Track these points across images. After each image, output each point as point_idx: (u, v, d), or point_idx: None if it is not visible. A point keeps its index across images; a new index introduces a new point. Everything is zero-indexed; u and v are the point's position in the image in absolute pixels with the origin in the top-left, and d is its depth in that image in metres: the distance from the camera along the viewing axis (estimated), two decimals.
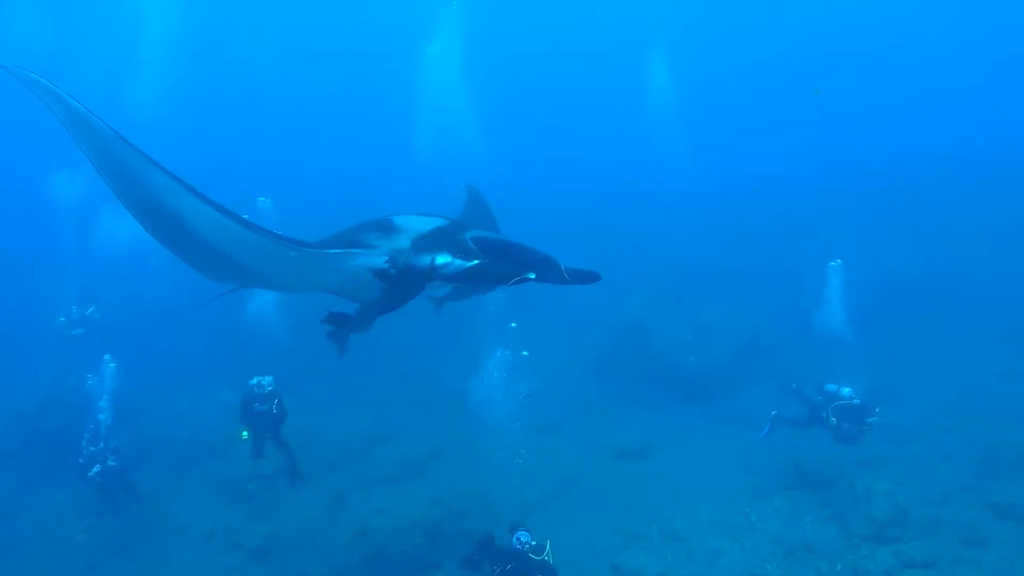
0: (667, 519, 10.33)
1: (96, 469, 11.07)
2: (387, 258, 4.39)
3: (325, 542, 10.28)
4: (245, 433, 10.81)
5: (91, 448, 11.18)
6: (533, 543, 8.05)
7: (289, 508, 11.45)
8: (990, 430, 12.22)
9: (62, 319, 15.94)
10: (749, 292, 18.13)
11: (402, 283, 4.47)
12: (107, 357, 13.07)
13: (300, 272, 4.53)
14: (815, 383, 12.26)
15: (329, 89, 37.28)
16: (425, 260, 4.37)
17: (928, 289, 18.10)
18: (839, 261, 16.32)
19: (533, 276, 4.14)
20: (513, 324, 13.61)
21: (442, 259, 4.35)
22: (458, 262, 4.33)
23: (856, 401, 11.50)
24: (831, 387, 11.81)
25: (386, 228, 4.54)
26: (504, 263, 4.38)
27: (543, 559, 8.00)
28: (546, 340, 15.86)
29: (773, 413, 12.40)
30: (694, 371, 15.67)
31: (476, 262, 4.33)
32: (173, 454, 13.38)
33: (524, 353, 13.25)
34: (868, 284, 16.64)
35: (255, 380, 10.82)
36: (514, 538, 8.13)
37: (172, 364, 16.56)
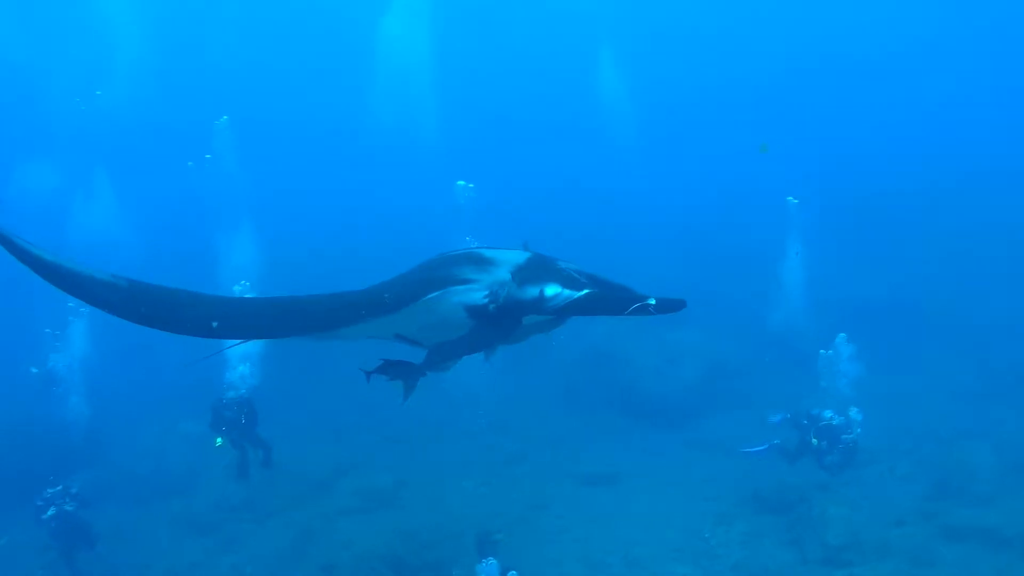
0: (631, 546, 10.46)
1: (51, 512, 10.58)
2: (487, 292, 4.11)
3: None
4: (219, 440, 10.84)
5: (49, 490, 10.82)
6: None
7: (255, 541, 11.44)
8: (944, 452, 12.59)
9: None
10: (716, 317, 18.41)
11: (501, 319, 4.19)
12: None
13: (385, 326, 4.28)
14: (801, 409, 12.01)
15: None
16: (532, 292, 4.09)
17: (891, 312, 18.52)
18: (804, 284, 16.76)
19: (654, 302, 3.75)
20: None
21: (551, 290, 4.06)
22: (567, 292, 4.05)
23: (836, 421, 11.28)
24: (815, 412, 11.59)
25: (478, 261, 4.27)
26: (614, 291, 4.15)
27: None
28: (512, 368, 16.00)
29: (776, 441, 11.99)
30: (661, 397, 15.88)
31: (587, 291, 4.05)
32: (137, 488, 13.29)
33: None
34: (833, 308, 17.02)
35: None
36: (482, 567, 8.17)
37: (138, 395, 16.48)
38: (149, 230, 24.39)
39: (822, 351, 15.37)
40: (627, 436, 14.87)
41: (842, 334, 16.01)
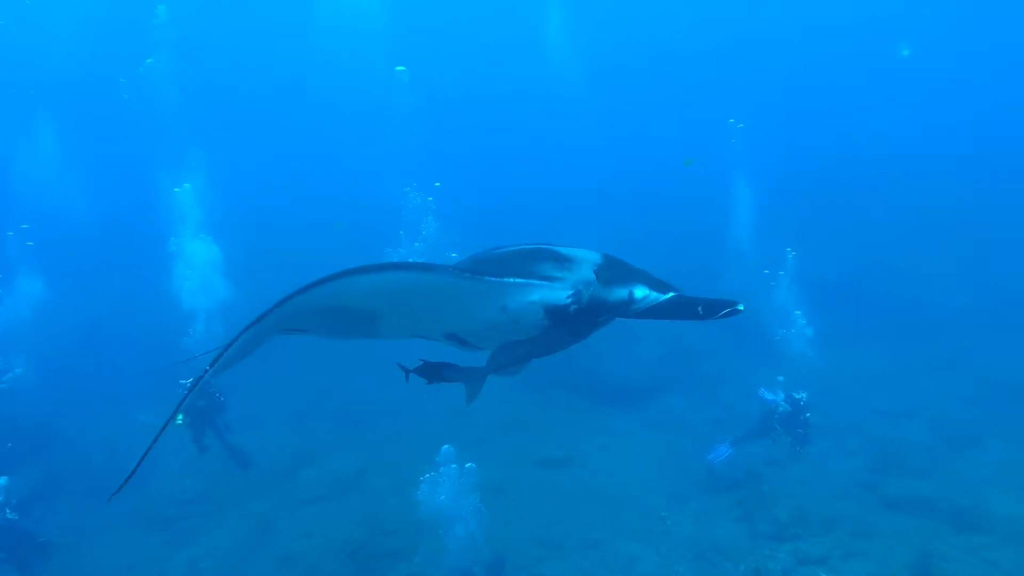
0: (588, 527, 10.68)
1: None
2: (572, 292, 3.91)
3: (250, 568, 10.27)
4: (180, 417, 10.76)
5: None
6: None
7: (213, 534, 11.40)
8: (888, 427, 13.12)
9: None
10: None
11: (579, 321, 4.00)
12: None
13: (446, 321, 4.09)
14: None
15: None
16: (620, 293, 3.92)
17: (842, 291, 19.09)
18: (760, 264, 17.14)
19: (742, 307, 3.66)
20: None
21: (640, 291, 3.91)
22: (654, 295, 3.92)
23: (783, 405, 11.41)
24: (768, 395, 11.66)
25: (555, 258, 4.06)
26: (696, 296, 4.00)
27: None
28: (472, 353, 16.10)
29: (729, 440, 11.94)
30: (620, 379, 16.15)
31: (672, 294, 3.93)
32: (89, 482, 13.06)
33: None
34: (790, 287, 17.42)
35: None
36: None
37: (90, 387, 16.20)
38: None
39: (780, 331, 15.85)
40: (586, 418, 15.12)
41: (798, 312, 16.50)
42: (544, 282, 3.88)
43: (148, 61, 23.32)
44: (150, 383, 14.66)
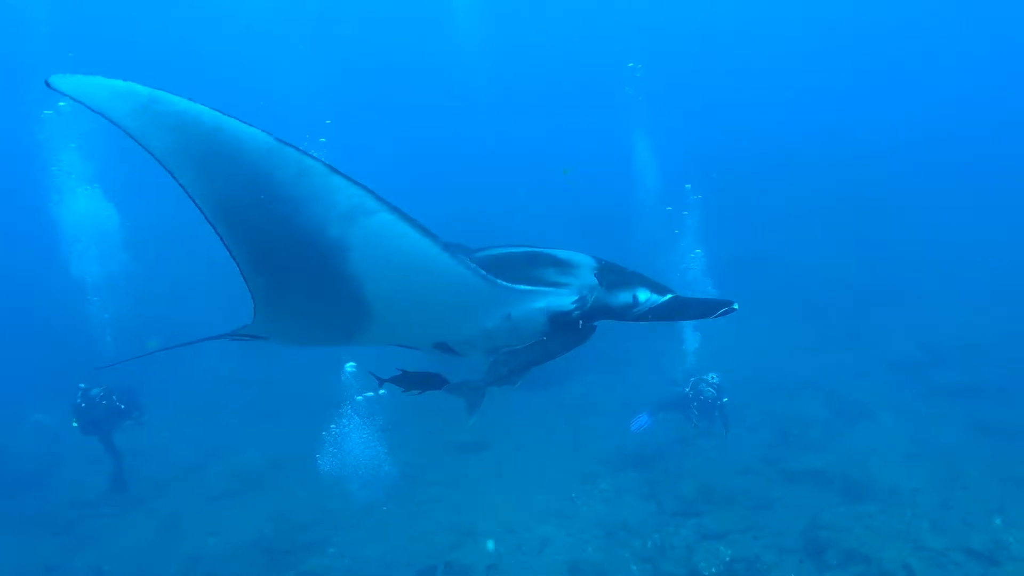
0: (501, 511, 10.79)
1: None
2: (577, 297, 3.81)
3: (157, 570, 9.96)
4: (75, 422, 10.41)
5: None
6: None
7: (115, 536, 11.00)
8: (787, 403, 13.73)
9: None
10: None
11: (584, 326, 3.92)
12: None
13: (440, 330, 3.88)
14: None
15: None
16: (624, 297, 3.86)
17: (749, 269, 19.75)
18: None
19: (737, 306, 3.64)
20: None
21: (643, 294, 3.85)
22: (655, 297, 3.87)
23: (709, 389, 11.43)
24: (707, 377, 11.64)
25: (558, 263, 3.94)
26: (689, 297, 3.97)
27: None
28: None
29: (647, 411, 11.94)
30: None
31: (670, 296, 3.88)
32: None
33: None
34: (698, 265, 17.91)
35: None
36: None
37: None
38: None
39: None
40: (497, 402, 15.19)
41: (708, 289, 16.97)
42: (552, 289, 3.77)
43: None
44: (45, 380, 14.06)
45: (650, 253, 19.12)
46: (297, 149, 2.65)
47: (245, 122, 2.54)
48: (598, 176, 27.97)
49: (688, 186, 20.34)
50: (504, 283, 3.51)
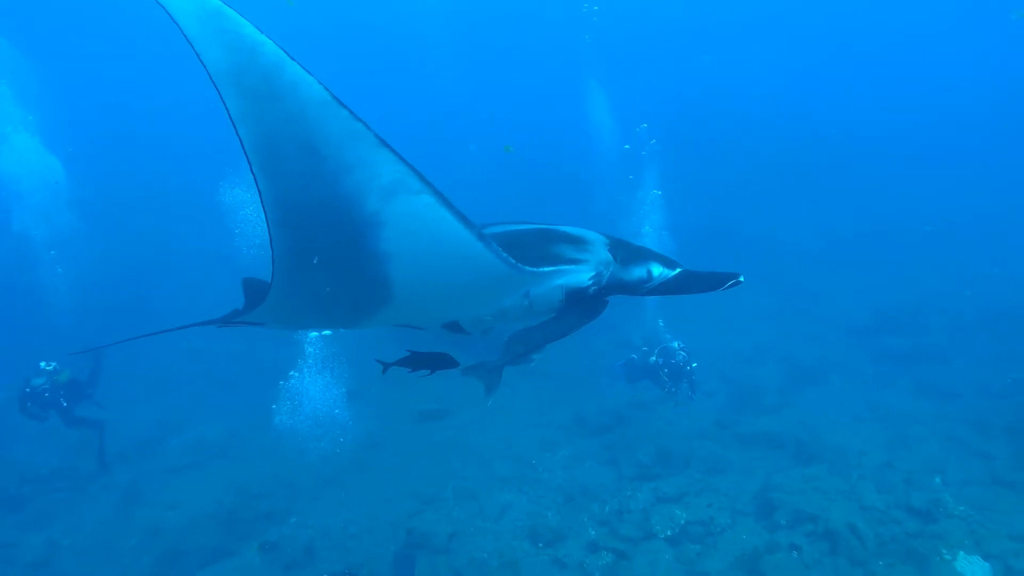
0: (462, 478, 10.93)
1: None
2: (593, 273, 3.86)
3: (113, 545, 9.89)
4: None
5: None
6: None
7: (72, 512, 10.89)
8: (743, 367, 14.03)
9: None
10: None
11: (597, 301, 3.97)
12: None
13: (473, 295, 3.81)
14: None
15: None
16: (638, 272, 3.91)
17: (708, 238, 20.00)
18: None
19: (743, 279, 3.70)
20: None
21: (656, 269, 3.92)
22: (666, 271, 3.93)
23: (681, 352, 11.60)
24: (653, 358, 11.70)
25: (572, 240, 3.96)
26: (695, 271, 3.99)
27: None
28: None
29: (634, 356, 12.18)
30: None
31: (680, 270, 3.94)
32: None
33: None
34: (660, 233, 18.07)
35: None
36: None
37: None
38: None
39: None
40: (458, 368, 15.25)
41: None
42: (571, 266, 3.80)
43: None
44: None
45: (610, 198, 19.28)
46: (351, 112, 2.63)
47: (307, 69, 2.51)
48: (554, 127, 27.89)
49: (644, 125, 20.43)
50: (530, 268, 3.56)
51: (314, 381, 14.26)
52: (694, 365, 11.64)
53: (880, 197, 23.49)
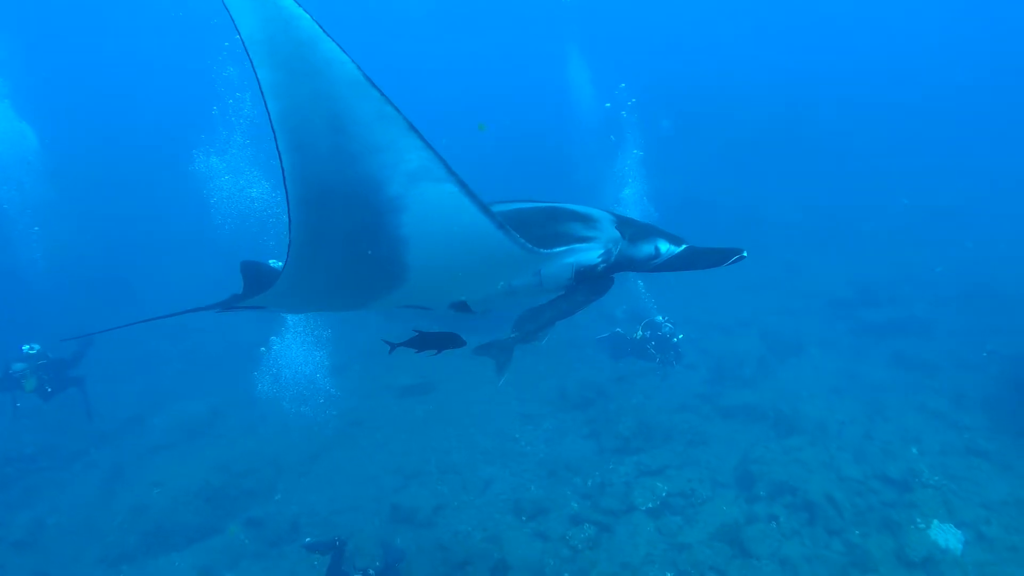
0: (445, 453, 10.99)
1: None
2: (603, 251, 3.90)
3: (98, 523, 9.91)
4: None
5: None
6: None
7: (57, 490, 10.89)
8: (724, 340, 14.13)
9: None
10: None
11: (605, 278, 4.01)
12: None
13: (484, 281, 3.85)
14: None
15: None
16: (647, 248, 3.96)
17: (687, 209, 19.99)
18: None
19: (746, 253, 3.73)
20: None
21: (664, 245, 3.96)
22: (673, 247, 3.98)
23: (667, 325, 11.74)
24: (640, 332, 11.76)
25: (580, 218, 3.99)
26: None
27: None
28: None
29: (618, 330, 12.25)
30: None
31: (685, 246, 3.99)
32: None
33: None
34: (641, 205, 18.04)
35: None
36: None
37: None
38: None
39: None
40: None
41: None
42: (582, 245, 3.84)
43: None
44: None
45: (592, 164, 19.22)
46: (382, 93, 2.62)
47: (342, 47, 2.49)
48: (532, 96, 27.73)
49: (623, 85, 20.33)
50: (545, 251, 3.61)
51: (296, 358, 14.25)
52: (680, 337, 11.78)
53: (860, 171, 23.63)
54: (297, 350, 14.02)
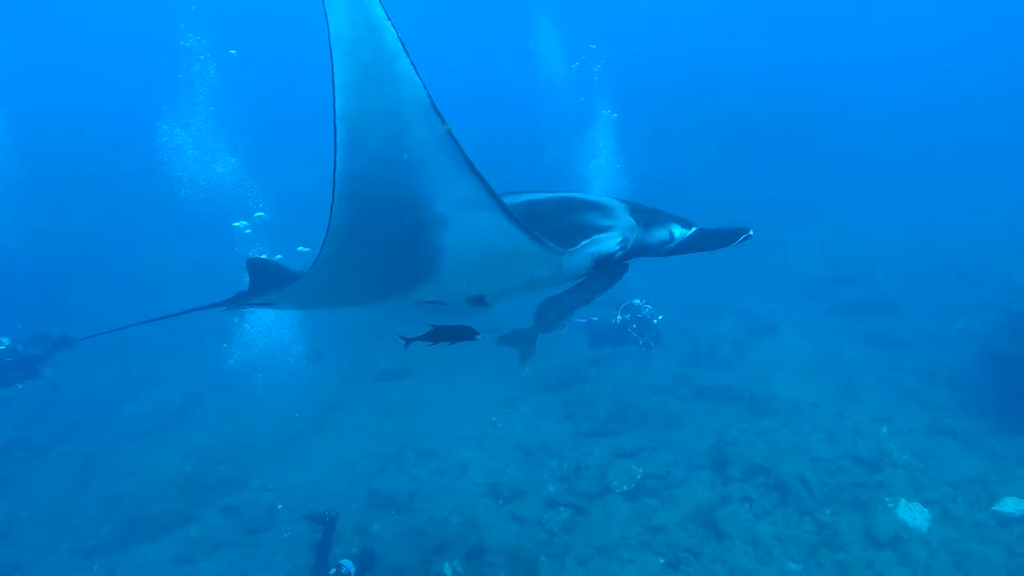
0: (423, 437, 10.99)
1: None
2: (620, 239, 3.98)
3: (72, 515, 9.79)
4: None
5: None
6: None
7: (28, 482, 10.76)
8: (701, 322, 14.21)
9: None
10: None
11: (622, 265, 4.10)
12: None
13: (507, 279, 3.97)
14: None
15: None
16: (661, 234, 4.06)
17: (659, 189, 19.97)
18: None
19: (752, 232, 3.87)
20: (279, 257, 13.34)
21: (677, 230, 4.07)
22: (684, 231, 4.09)
23: (646, 307, 11.60)
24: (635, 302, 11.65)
25: (596, 207, 4.05)
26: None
27: None
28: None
29: (595, 319, 11.98)
30: None
31: (695, 229, 4.09)
32: None
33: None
34: (616, 187, 18.03)
35: None
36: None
37: None
38: None
39: None
40: (418, 326, 15.24)
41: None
42: (602, 234, 3.90)
43: None
44: None
45: (562, 121, 19.13)
46: (445, 123, 2.73)
47: (419, 72, 2.60)
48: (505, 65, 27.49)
49: (593, 46, 20.24)
50: (571, 248, 3.72)
51: (273, 341, 14.15)
52: (660, 318, 11.82)
53: (834, 150, 23.74)
54: (275, 334, 13.93)
